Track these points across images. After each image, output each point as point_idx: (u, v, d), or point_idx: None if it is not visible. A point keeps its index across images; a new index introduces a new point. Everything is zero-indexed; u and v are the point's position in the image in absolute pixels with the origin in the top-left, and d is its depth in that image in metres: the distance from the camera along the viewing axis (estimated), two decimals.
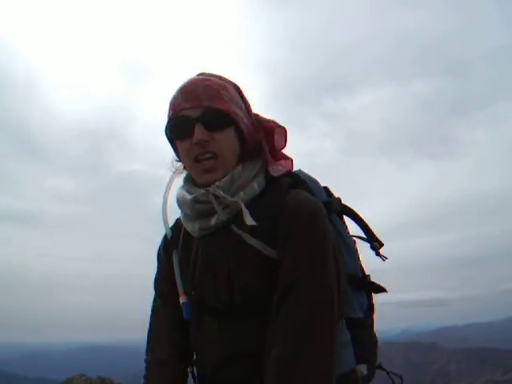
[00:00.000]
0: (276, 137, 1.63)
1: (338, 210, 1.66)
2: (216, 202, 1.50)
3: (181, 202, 1.60)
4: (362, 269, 1.71)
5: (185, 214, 1.63)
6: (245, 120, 1.57)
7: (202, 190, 1.53)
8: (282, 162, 1.66)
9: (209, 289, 1.54)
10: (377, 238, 1.72)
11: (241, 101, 1.60)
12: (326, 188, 1.75)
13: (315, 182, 1.71)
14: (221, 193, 1.50)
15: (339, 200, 1.72)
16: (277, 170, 1.61)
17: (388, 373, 1.78)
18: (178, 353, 1.72)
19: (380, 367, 1.75)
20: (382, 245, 1.71)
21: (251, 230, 1.48)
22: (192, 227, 1.59)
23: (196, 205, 1.54)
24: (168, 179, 1.68)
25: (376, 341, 1.70)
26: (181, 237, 1.66)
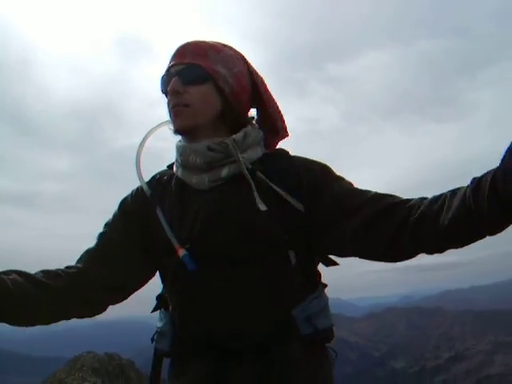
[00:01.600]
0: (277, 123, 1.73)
1: None
2: (236, 152, 1.55)
3: (187, 150, 1.60)
4: None
5: (184, 167, 1.62)
6: (229, 80, 1.60)
7: (218, 139, 1.57)
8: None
9: (218, 238, 1.52)
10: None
11: (235, 66, 1.64)
12: None
13: None
14: (234, 146, 1.56)
15: None
16: (274, 143, 1.75)
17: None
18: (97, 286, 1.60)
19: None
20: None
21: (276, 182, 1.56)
22: (199, 179, 1.58)
23: (209, 152, 1.55)
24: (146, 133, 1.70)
25: None
26: (172, 191, 1.64)
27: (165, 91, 1.63)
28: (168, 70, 1.62)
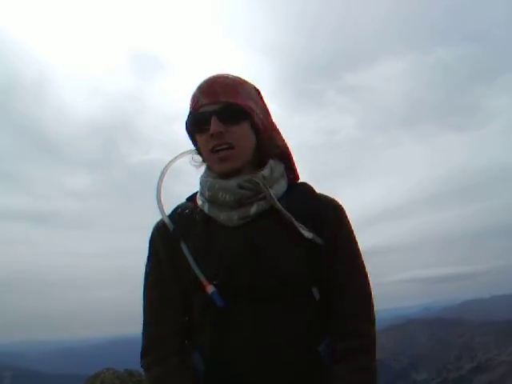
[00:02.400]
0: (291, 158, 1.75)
1: None
2: (267, 189, 1.58)
3: (216, 187, 1.60)
4: None
5: (211, 203, 1.62)
6: (260, 116, 1.63)
7: (247, 177, 1.59)
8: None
9: (246, 275, 1.53)
10: None
11: (258, 100, 1.67)
12: None
13: None
14: (263, 182, 1.59)
15: None
16: (297, 177, 1.76)
17: None
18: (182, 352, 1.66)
19: None
20: None
21: (299, 219, 1.57)
22: (227, 216, 1.58)
23: (239, 190, 1.57)
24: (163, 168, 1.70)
25: None
26: (198, 225, 1.63)
27: (195, 131, 1.63)
28: (198, 110, 1.60)
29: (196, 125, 1.62)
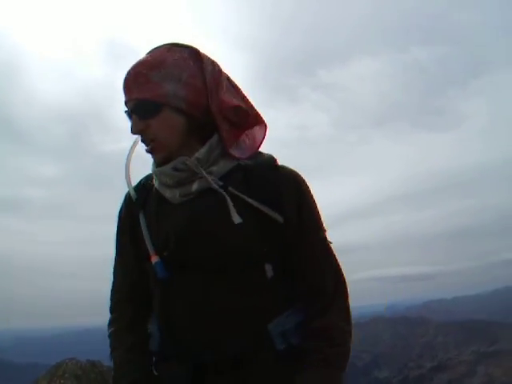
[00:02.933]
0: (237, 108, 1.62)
1: None
2: (201, 170, 1.56)
3: (157, 172, 1.64)
4: None
5: (160, 183, 1.65)
6: (181, 94, 1.55)
7: (183, 158, 1.57)
8: (247, 138, 1.68)
9: (192, 249, 1.55)
10: None
11: (186, 71, 1.58)
12: None
13: None
14: (198, 165, 1.57)
15: None
16: (239, 150, 1.64)
17: None
18: (140, 321, 1.74)
19: None
20: None
21: (249, 194, 1.55)
22: (172, 194, 1.61)
23: (175, 172, 1.59)
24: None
25: None
26: (151, 199, 1.68)
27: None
28: (126, 110, 1.62)
29: (129, 123, 1.63)
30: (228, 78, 1.67)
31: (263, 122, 1.70)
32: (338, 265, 1.62)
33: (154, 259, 1.57)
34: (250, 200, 1.52)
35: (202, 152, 1.57)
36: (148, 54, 1.62)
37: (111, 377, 1.68)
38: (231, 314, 1.52)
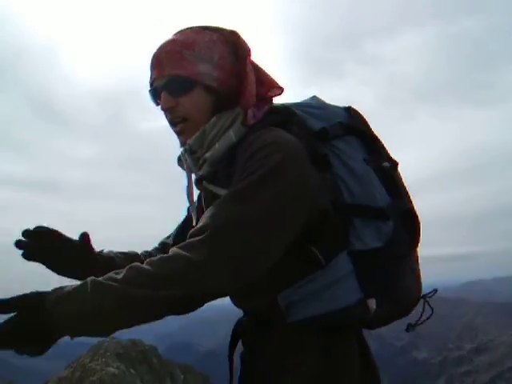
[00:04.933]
0: (261, 78, 1.62)
1: (337, 134, 1.58)
2: (190, 158, 1.58)
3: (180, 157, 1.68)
4: (392, 195, 1.60)
5: None
6: (214, 74, 1.57)
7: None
8: (264, 103, 1.63)
9: None
10: (389, 157, 1.68)
11: (217, 52, 1.59)
12: (348, 108, 1.71)
13: (321, 108, 1.66)
14: (193, 149, 1.58)
15: (354, 121, 1.66)
16: (252, 115, 1.58)
17: (426, 300, 1.67)
18: None
19: (424, 297, 1.66)
20: (395, 164, 1.68)
21: (213, 178, 1.55)
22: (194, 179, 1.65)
23: (179, 163, 1.65)
24: None
25: (406, 270, 1.58)
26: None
27: (156, 106, 1.63)
28: (152, 85, 1.61)
29: (153, 101, 1.63)
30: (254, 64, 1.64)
31: (279, 87, 1.66)
32: (222, 217, 1.32)
33: None
34: (213, 188, 1.55)
35: (193, 138, 1.57)
36: (177, 33, 1.63)
37: (152, 355, 1.74)
38: (243, 292, 1.55)
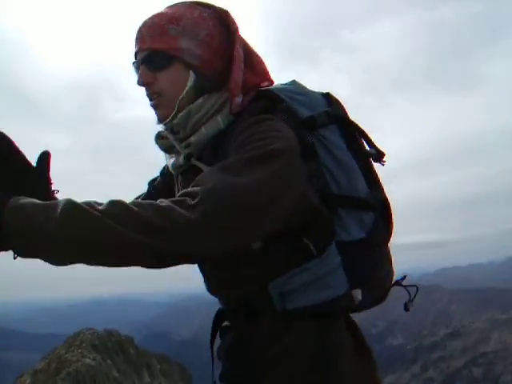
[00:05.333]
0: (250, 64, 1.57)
1: (324, 123, 1.54)
2: (173, 138, 1.53)
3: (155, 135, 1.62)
4: (374, 186, 1.61)
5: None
6: (197, 52, 1.51)
7: (168, 124, 1.54)
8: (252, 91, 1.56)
9: None
10: (375, 147, 1.64)
11: (204, 30, 1.53)
12: (327, 95, 1.66)
13: (304, 95, 1.59)
14: (177, 129, 1.52)
15: (337, 110, 1.61)
16: (238, 103, 1.52)
17: (404, 286, 1.66)
18: None
19: (397, 283, 1.65)
20: (381, 155, 1.64)
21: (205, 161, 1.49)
22: (169, 163, 1.61)
23: (159, 140, 1.58)
24: None
25: (384, 259, 1.58)
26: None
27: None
28: (135, 58, 1.56)
29: (136, 74, 1.57)
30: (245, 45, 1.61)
31: (270, 79, 1.62)
32: (219, 183, 1.25)
33: None
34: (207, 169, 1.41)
35: (178, 119, 1.52)
36: (167, 7, 1.58)
37: (129, 346, 1.73)
38: (227, 282, 1.54)
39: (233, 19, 1.57)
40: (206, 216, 1.18)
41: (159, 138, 1.58)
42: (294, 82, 1.65)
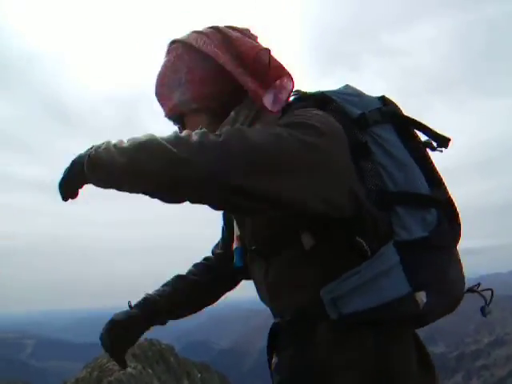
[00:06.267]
0: (259, 59, 1.48)
1: (376, 120, 1.48)
2: None
3: None
4: (436, 183, 1.52)
5: None
6: (186, 96, 1.53)
7: None
8: (278, 84, 1.52)
9: (247, 238, 1.61)
10: (438, 135, 1.55)
11: (184, 68, 1.54)
12: (382, 98, 1.60)
13: (357, 96, 1.55)
14: None
15: (392, 109, 1.57)
16: (274, 102, 1.50)
17: (479, 292, 1.59)
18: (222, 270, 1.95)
19: (470, 290, 1.55)
20: (446, 140, 1.54)
21: None
22: None
23: None
24: None
25: (453, 262, 1.48)
26: None
27: None
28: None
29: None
30: (238, 29, 1.57)
31: (288, 73, 1.55)
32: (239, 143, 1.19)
33: (235, 245, 1.68)
34: None
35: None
36: (161, 62, 1.63)
37: (169, 355, 1.79)
38: (279, 291, 1.51)
39: (199, 42, 1.53)
40: (230, 142, 1.17)
41: None
42: (347, 86, 1.61)
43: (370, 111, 1.48)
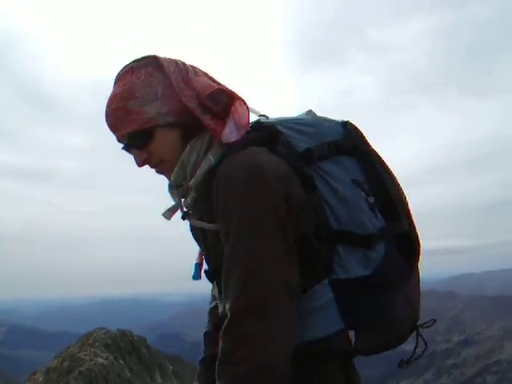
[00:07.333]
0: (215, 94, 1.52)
1: (323, 155, 1.48)
2: (175, 192, 1.58)
3: None
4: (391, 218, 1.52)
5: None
6: (164, 109, 1.51)
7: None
8: (233, 111, 1.53)
9: (210, 265, 1.64)
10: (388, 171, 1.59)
11: (155, 85, 1.53)
12: (345, 123, 1.59)
13: (312, 126, 1.54)
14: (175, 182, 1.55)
15: (350, 140, 1.55)
16: (229, 134, 1.49)
17: (420, 334, 1.64)
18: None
19: (416, 327, 1.62)
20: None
21: (193, 205, 1.55)
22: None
23: (171, 197, 1.61)
24: None
25: (398, 300, 1.48)
26: None
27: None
28: (122, 147, 1.57)
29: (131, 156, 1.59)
30: (194, 67, 1.59)
31: (239, 97, 1.56)
32: (246, 277, 1.31)
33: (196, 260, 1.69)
34: (196, 222, 1.54)
35: (174, 173, 1.52)
36: (115, 85, 1.58)
37: (141, 346, 1.73)
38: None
39: (163, 58, 1.55)
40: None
41: (170, 195, 1.62)
42: (309, 112, 1.63)
43: (316, 146, 1.48)
